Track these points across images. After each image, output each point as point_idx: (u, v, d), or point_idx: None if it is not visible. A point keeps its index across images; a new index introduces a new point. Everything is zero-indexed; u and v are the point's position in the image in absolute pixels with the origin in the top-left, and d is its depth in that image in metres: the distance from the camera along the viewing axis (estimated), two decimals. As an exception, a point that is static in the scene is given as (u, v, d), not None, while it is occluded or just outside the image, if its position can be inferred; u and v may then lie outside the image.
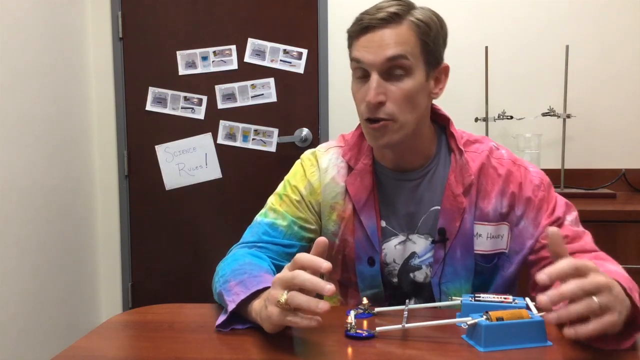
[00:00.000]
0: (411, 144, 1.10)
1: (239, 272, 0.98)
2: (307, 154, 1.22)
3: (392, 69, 1.03)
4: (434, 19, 1.06)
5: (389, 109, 1.03)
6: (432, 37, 1.05)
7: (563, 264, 0.75)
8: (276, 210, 1.16)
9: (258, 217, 1.18)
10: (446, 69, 1.11)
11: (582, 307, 0.73)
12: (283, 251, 1.12)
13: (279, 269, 1.09)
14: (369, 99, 1.02)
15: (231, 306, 0.91)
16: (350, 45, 1.09)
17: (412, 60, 1.03)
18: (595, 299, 0.73)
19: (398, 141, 1.06)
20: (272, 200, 1.19)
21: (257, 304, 0.90)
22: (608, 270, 0.90)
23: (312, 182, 1.17)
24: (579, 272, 0.75)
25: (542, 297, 0.73)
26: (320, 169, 1.18)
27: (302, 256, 0.81)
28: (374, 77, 1.02)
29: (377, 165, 1.16)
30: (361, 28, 1.04)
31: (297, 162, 1.23)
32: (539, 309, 0.90)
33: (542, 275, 0.73)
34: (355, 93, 1.07)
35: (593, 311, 0.73)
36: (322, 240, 0.83)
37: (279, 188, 1.20)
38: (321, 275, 1.37)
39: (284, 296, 0.79)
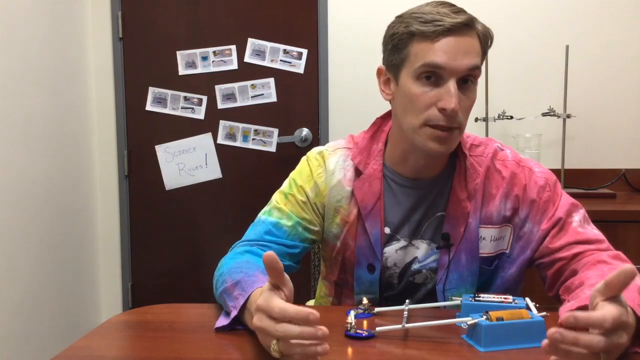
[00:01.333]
0: None
1: (235, 271, 0.98)
2: (314, 153, 1.20)
3: (465, 78, 1.00)
4: (491, 31, 1.05)
5: (460, 118, 1.00)
6: (488, 50, 1.06)
7: (600, 319, 0.69)
8: (281, 210, 1.14)
9: (262, 215, 1.16)
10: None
11: (587, 358, 0.70)
12: (285, 251, 1.11)
13: None
14: (453, 107, 0.97)
15: (234, 313, 0.91)
16: (409, 44, 1.01)
17: (480, 72, 1.02)
18: (602, 355, 0.70)
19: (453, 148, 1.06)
20: (276, 198, 1.17)
21: (248, 317, 0.88)
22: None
23: (318, 184, 1.15)
24: (611, 328, 0.70)
25: (556, 335, 0.68)
26: (327, 171, 1.16)
27: (287, 310, 0.74)
28: (453, 84, 0.98)
29: (386, 170, 1.14)
30: (442, 30, 0.97)
31: (303, 159, 1.20)
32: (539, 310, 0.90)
33: (570, 319, 0.68)
34: (421, 96, 1.00)
35: None
36: (268, 257, 0.75)
37: (284, 186, 1.18)
38: (316, 276, 1.36)
39: (275, 349, 0.75)
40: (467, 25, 0.99)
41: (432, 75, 0.99)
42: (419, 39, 0.99)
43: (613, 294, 0.72)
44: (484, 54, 1.04)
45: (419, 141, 1.03)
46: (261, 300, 0.77)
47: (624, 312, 0.72)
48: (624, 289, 0.72)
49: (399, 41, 1.02)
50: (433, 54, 0.98)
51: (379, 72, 1.11)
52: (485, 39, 1.03)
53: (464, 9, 1.02)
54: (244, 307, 0.90)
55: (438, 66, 0.98)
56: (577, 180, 2.39)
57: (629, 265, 0.70)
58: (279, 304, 0.75)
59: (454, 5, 1.02)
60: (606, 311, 0.70)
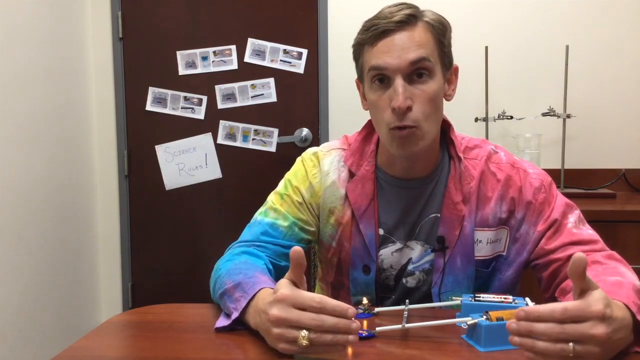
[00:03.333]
0: (426, 151, 1.08)
1: (234, 273, 0.98)
2: (308, 154, 1.20)
3: (414, 72, 1.00)
4: (444, 19, 1.05)
5: (415, 114, 0.99)
6: (446, 37, 1.04)
7: (548, 310, 0.70)
8: (277, 210, 1.14)
9: (258, 216, 1.16)
10: (456, 70, 1.10)
11: (551, 349, 0.70)
12: (281, 251, 1.11)
13: (275, 268, 1.09)
14: (399, 105, 0.97)
15: (235, 314, 0.91)
16: (361, 54, 1.05)
17: (433, 62, 1.01)
18: (571, 345, 0.69)
19: (423, 149, 1.04)
20: (272, 199, 1.17)
21: (253, 315, 0.89)
22: (618, 284, 0.87)
23: (313, 185, 1.16)
24: (572, 319, 0.70)
25: (512, 324, 0.71)
26: (322, 172, 1.16)
27: (327, 302, 0.77)
28: (400, 82, 0.99)
29: (379, 171, 1.14)
30: (377, 34, 1.00)
31: (298, 160, 1.21)
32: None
33: (520, 313, 0.70)
34: (377, 101, 1.02)
35: (563, 358, 0.70)
36: (297, 252, 0.81)
37: (280, 187, 1.19)
38: (313, 278, 1.36)
39: (305, 337, 0.77)
40: (403, 22, 0.99)
41: (383, 78, 1.01)
42: (365, 47, 1.04)
43: (580, 286, 0.73)
44: (439, 44, 1.03)
45: (389, 147, 1.06)
46: (286, 290, 0.80)
47: (591, 304, 0.71)
48: (583, 276, 0.72)
49: (355, 54, 1.08)
50: (374, 57, 1.01)
51: (357, 85, 1.13)
52: (439, 28, 1.03)
53: (409, 4, 1.03)
54: (246, 307, 0.90)
55: (380, 67, 1.00)
56: (577, 180, 2.39)
57: (578, 254, 0.72)
58: (317, 296, 0.78)
59: (403, 3, 1.03)
60: (557, 304, 0.71)
